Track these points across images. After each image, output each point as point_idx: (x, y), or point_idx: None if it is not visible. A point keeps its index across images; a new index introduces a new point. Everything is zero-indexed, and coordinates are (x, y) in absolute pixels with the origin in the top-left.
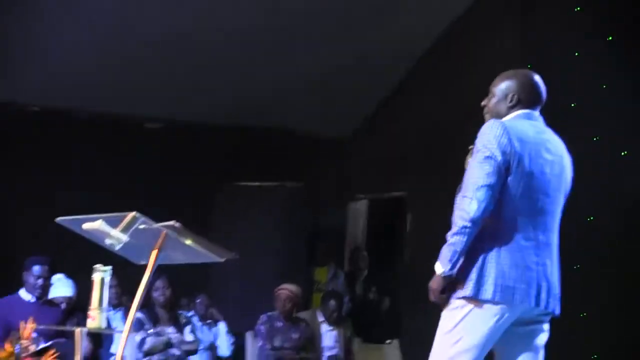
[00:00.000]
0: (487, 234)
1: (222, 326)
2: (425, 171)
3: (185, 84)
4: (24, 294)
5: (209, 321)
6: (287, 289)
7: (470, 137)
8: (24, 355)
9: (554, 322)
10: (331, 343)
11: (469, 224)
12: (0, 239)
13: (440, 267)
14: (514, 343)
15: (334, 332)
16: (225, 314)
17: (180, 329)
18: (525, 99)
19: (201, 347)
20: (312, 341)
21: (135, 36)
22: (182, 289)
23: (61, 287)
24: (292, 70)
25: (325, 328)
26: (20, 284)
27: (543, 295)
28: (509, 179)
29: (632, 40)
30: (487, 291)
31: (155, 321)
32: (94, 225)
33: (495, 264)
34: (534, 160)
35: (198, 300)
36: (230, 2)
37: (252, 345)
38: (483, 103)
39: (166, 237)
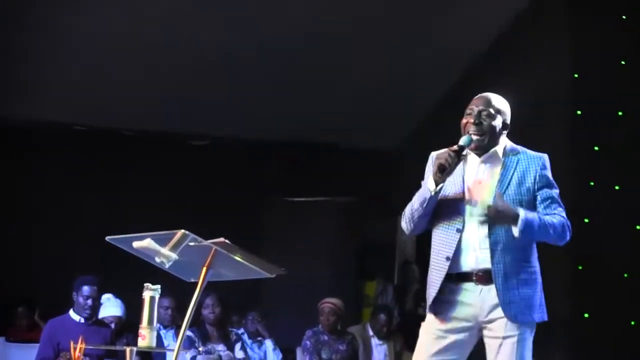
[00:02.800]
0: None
1: (268, 343)
2: None
3: (231, 101)
4: (73, 314)
5: (259, 338)
6: (330, 302)
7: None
8: None
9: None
10: (381, 357)
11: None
12: (49, 259)
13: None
14: None
15: (384, 346)
16: (277, 329)
17: (230, 346)
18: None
19: None
20: (358, 355)
21: (182, 55)
22: (233, 305)
23: (110, 307)
24: (339, 86)
25: (375, 342)
26: (69, 305)
27: None
28: None
29: None
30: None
31: (205, 339)
32: (143, 243)
33: None
34: None
35: (249, 317)
36: (274, 21)
37: None
38: (474, 121)
39: (216, 254)
